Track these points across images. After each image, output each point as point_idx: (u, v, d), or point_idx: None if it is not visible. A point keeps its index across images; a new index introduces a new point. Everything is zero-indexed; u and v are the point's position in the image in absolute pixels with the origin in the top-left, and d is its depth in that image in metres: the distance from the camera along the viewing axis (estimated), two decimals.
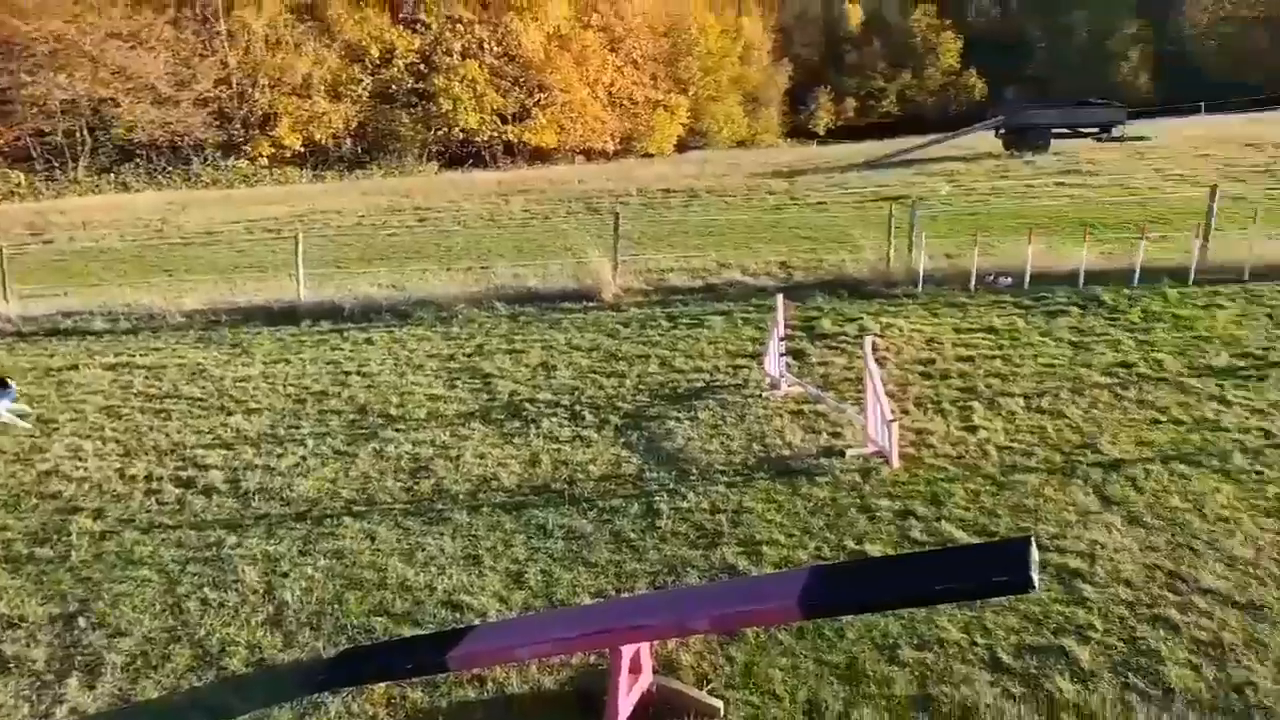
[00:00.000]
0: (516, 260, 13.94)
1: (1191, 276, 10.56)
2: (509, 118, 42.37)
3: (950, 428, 7.26)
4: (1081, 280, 10.65)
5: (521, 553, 5.79)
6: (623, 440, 7.40)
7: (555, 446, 7.34)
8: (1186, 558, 5.27)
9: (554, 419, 7.88)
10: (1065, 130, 25.11)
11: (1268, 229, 11.65)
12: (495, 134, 41.84)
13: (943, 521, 5.83)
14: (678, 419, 7.73)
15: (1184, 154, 22.12)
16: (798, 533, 5.85)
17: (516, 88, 42.26)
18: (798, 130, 56.56)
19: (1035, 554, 3.37)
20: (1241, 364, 8.20)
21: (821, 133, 55.87)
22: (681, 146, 47.19)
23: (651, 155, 43.58)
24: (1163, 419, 7.16)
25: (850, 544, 5.69)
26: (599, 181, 25.60)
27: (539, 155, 41.87)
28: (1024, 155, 23.31)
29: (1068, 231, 13.01)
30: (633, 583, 5.39)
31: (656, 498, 6.38)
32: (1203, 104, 41.25)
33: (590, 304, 11.30)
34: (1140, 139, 24.56)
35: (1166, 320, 9.42)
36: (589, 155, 43.02)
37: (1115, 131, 25.04)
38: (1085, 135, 25.10)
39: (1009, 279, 10.99)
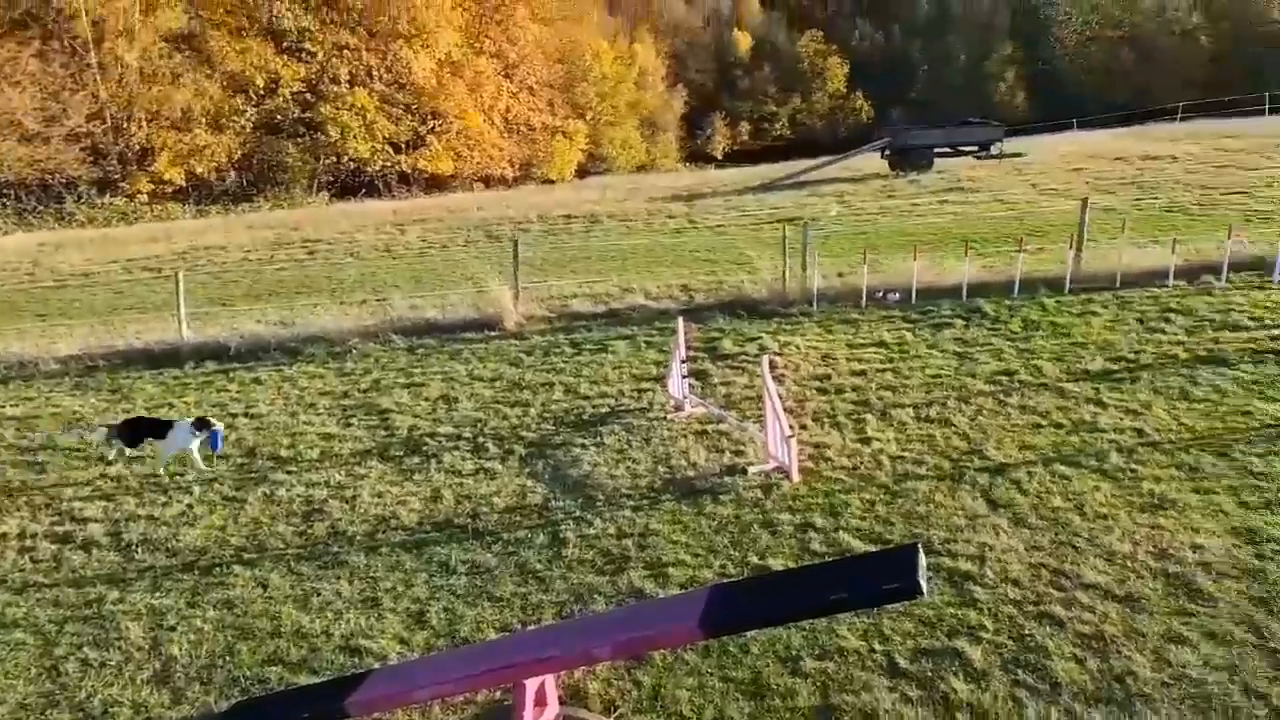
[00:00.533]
0: (414, 291, 13.70)
1: (1067, 286, 11.15)
2: (402, 146, 41.71)
3: (846, 440, 7.45)
4: (965, 293, 11.13)
5: (423, 592, 5.65)
6: (528, 470, 7.33)
7: (458, 481, 7.21)
8: (1069, 555, 5.52)
9: (456, 453, 7.75)
10: (947, 149, 26.08)
11: (1136, 238, 12.41)
12: (388, 163, 41.12)
13: (840, 532, 5.97)
14: (583, 445, 7.70)
15: (1058, 169, 23.35)
16: (703, 552, 5.89)
17: (409, 115, 41.67)
18: (696, 154, 57.60)
19: (924, 561, 3.47)
20: (1115, 367, 8.68)
21: (719, 156, 57.02)
22: (582, 172, 47.39)
23: (552, 181, 43.56)
24: (1044, 423, 7.52)
25: (754, 559, 5.76)
26: (498, 209, 25.45)
27: (436, 183, 41.35)
28: (909, 175, 24.16)
29: (951, 247, 13.57)
30: (539, 614, 5.33)
31: (563, 526, 6.34)
32: (1075, 120, 43.70)
33: (492, 333, 11.19)
34: (1017, 155, 25.74)
35: (1045, 328, 9.91)
36: (488, 182, 42.72)
37: (994, 149, 26.10)
38: (966, 154, 26.13)
39: (897, 295, 11.41)
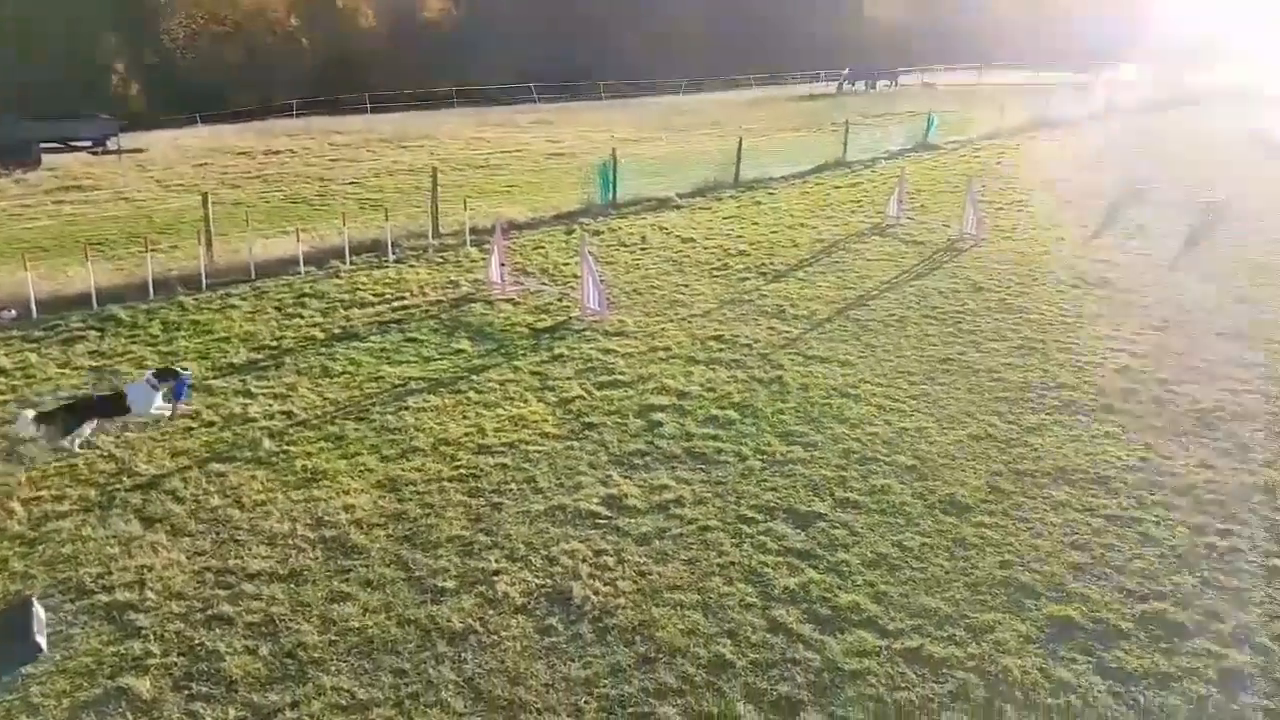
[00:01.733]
0: None
1: (203, 282, 11.06)
2: None
3: None
4: (95, 301, 10.20)
5: None
6: None
7: None
8: (233, 551, 5.55)
9: None
10: (57, 144, 23.53)
11: (264, 229, 12.95)
12: None
13: None
14: None
15: (182, 164, 22.91)
16: None
17: None
18: None
19: (42, 614, 3.05)
20: (260, 357, 8.96)
21: None
22: None
23: None
24: (195, 425, 7.36)
25: None
26: None
27: None
28: (13, 173, 21.04)
29: (73, 252, 12.23)
30: None
31: None
32: (198, 115, 43.21)
33: None
34: (138, 151, 24.56)
35: (186, 328, 9.70)
36: None
37: (110, 144, 24.48)
38: (79, 149, 23.92)
39: (13, 312, 9.96)
